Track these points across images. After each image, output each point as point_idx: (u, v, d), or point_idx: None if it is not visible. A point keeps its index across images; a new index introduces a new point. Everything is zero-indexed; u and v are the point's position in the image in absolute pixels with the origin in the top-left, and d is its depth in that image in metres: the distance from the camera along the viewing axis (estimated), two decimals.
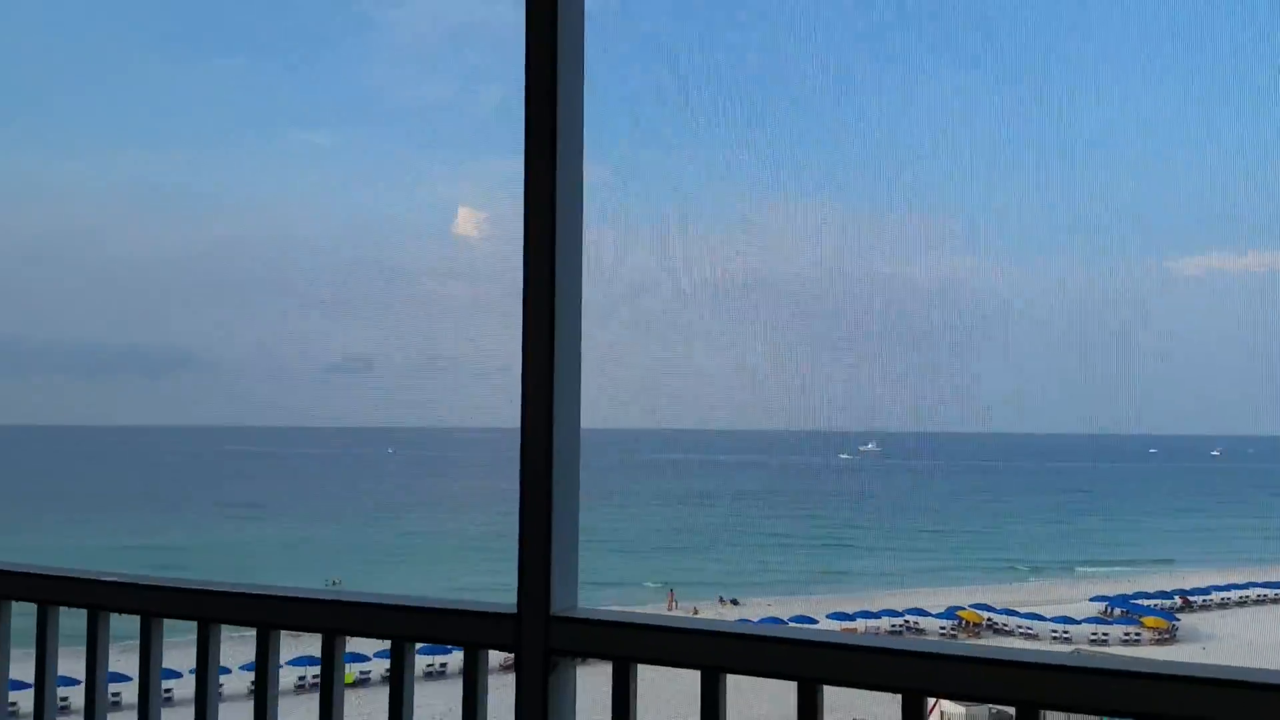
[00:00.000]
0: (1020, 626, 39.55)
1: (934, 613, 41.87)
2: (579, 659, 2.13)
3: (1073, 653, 37.23)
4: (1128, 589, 42.79)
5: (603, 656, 2.08)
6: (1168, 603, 44.17)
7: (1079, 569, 47.31)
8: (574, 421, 2.15)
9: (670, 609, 40.70)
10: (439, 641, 2.18)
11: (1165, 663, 1.66)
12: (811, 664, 1.89)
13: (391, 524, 57.23)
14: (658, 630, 2.04)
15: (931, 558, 46.82)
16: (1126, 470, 72.22)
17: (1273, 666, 1.55)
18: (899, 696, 1.87)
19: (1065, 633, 39.02)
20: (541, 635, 2.06)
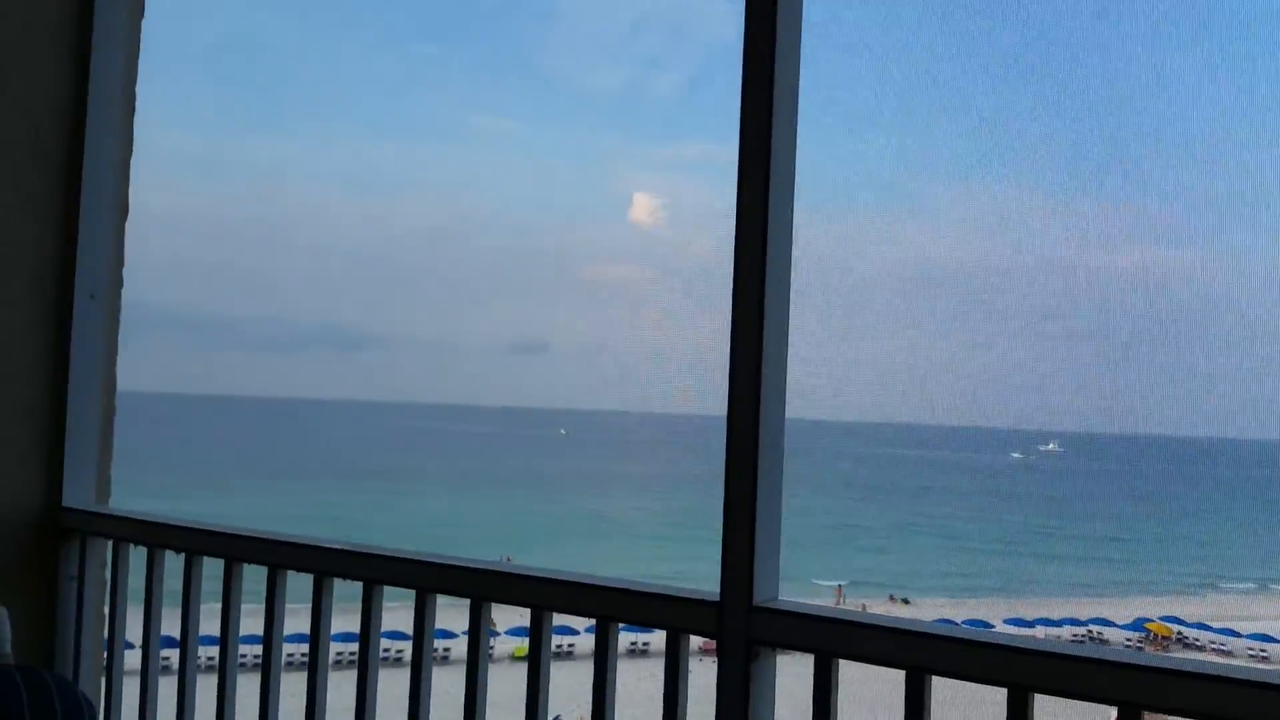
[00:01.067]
0: (1213, 642, 37.16)
1: (1120, 624, 39.83)
2: (779, 650, 2.14)
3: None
4: None
5: (805, 649, 2.08)
6: None
7: (1274, 585, 44.16)
8: (779, 410, 2.16)
9: (838, 604, 40.22)
10: (643, 624, 2.23)
11: None
12: (1023, 670, 1.85)
13: (569, 501, 58.64)
14: (862, 627, 2.03)
15: (1118, 567, 44.45)
16: None
17: None
18: (1113, 711, 1.80)
19: (1263, 650, 36.43)
20: (744, 624, 2.07)
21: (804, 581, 39.52)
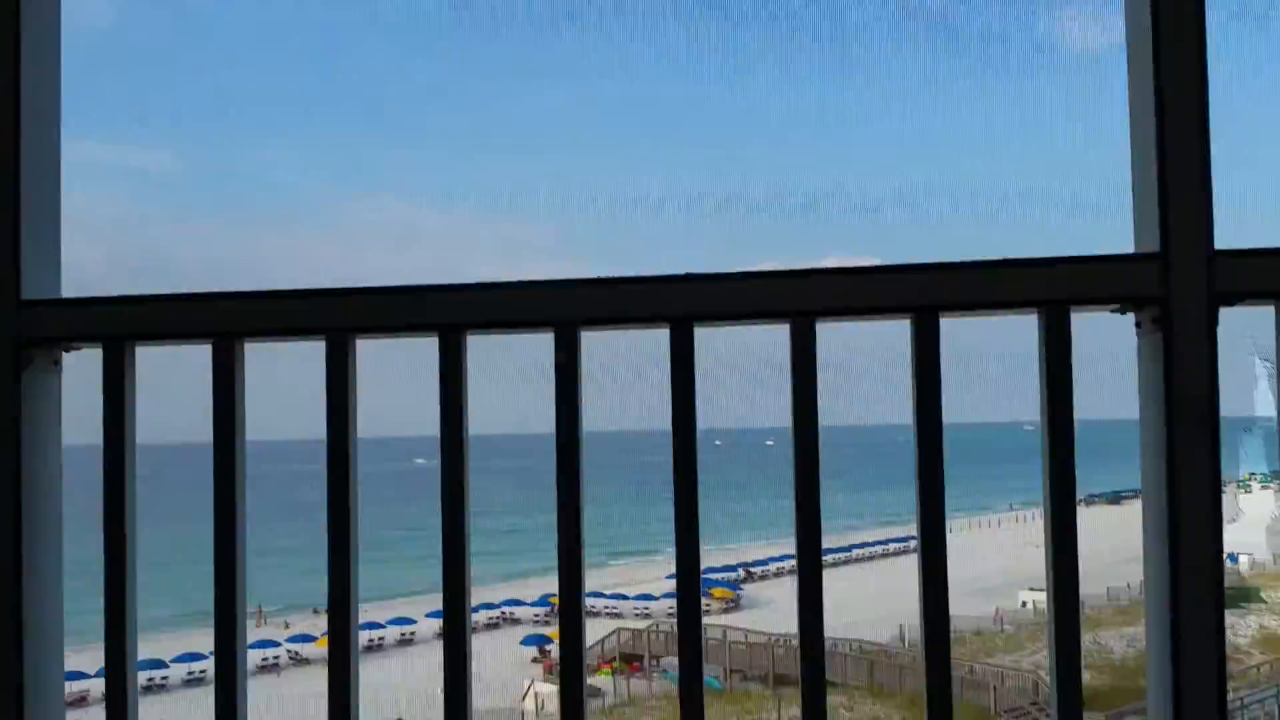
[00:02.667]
0: (607, 607, 41.70)
1: (529, 601, 43.23)
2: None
3: (651, 625, 39.29)
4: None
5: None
6: (733, 575, 48.75)
7: (661, 552, 50.72)
8: None
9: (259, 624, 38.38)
10: None
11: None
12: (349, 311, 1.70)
13: None
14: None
15: (518, 556, 47.72)
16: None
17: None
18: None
19: (646, 609, 41.73)
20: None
21: None
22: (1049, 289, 1.58)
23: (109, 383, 1.77)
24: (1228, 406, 1.52)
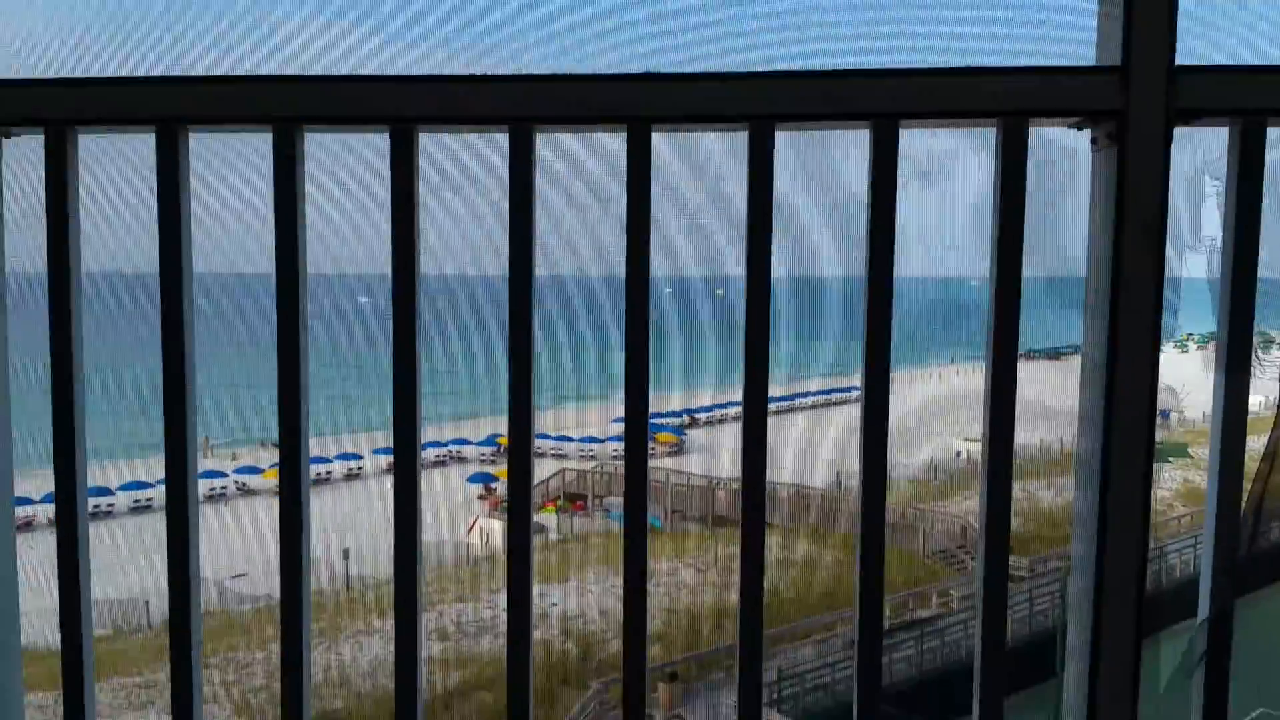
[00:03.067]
0: (553, 449, 42.51)
1: (475, 441, 43.87)
2: None
3: (596, 467, 40.20)
4: None
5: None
6: (678, 420, 49.77)
7: (609, 398, 51.49)
8: None
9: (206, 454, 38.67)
10: None
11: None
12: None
13: None
14: None
15: (461, 397, 48.13)
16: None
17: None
18: None
19: (591, 451, 42.64)
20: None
21: None
22: (1008, 98, 1.56)
23: (51, 170, 1.70)
24: (1176, 237, 1.53)
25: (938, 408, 49.44)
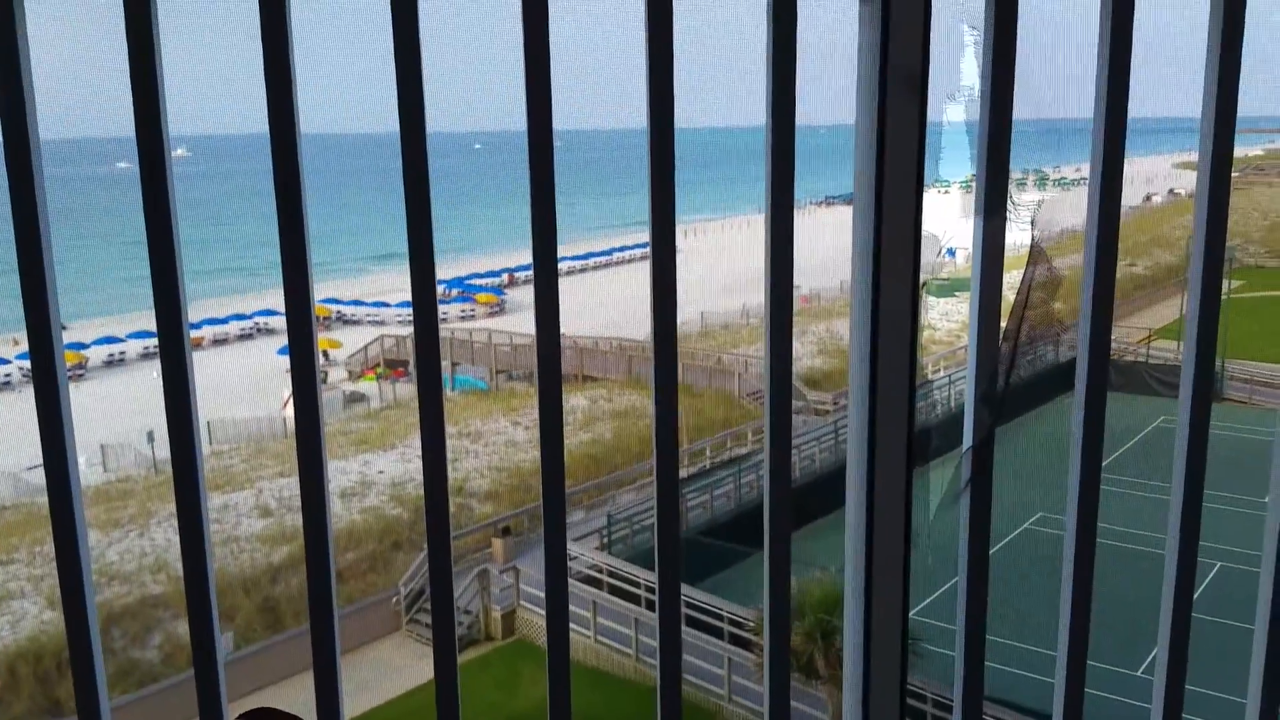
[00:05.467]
0: (369, 315, 41.49)
1: (281, 311, 42.05)
2: None
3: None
4: (464, 271, 46.78)
5: None
6: (497, 280, 49.26)
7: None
8: None
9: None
10: None
11: None
12: None
13: None
14: None
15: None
16: (455, 166, 76.81)
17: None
18: None
19: (408, 317, 41.83)
20: None
21: None
22: None
23: None
24: (938, 87, 1.59)
25: (748, 256, 50.68)
